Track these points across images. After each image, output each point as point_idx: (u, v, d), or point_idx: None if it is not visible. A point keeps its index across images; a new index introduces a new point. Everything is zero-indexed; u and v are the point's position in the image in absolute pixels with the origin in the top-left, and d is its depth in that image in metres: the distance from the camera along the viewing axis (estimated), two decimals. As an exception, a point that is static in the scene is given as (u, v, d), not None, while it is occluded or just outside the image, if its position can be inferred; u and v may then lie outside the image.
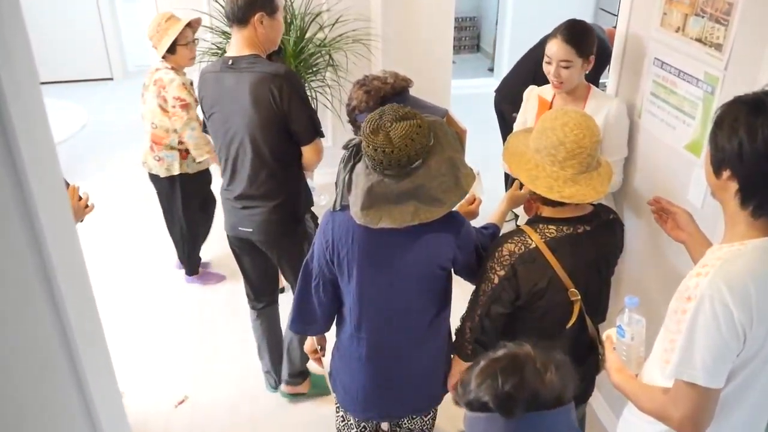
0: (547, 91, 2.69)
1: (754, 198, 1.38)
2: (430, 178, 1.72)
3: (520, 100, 3.38)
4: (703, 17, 2.11)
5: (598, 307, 2.00)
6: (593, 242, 1.88)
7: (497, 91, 4.18)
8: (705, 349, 1.38)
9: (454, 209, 1.84)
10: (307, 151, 2.58)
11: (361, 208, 1.75)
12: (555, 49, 2.46)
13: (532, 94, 2.78)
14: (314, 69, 4.19)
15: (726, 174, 1.40)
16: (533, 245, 1.83)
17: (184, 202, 3.61)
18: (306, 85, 4.11)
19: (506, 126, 3.82)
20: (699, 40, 2.14)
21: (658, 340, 1.59)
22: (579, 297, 1.86)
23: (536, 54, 3.71)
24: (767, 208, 1.38)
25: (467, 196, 2.21)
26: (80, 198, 2.23)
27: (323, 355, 2.28)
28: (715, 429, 1.51)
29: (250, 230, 2.68)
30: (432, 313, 1.98)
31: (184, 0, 4.26)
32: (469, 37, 8.52)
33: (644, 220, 2.60)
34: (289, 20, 4.08)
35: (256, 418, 3.08)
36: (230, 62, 2.50)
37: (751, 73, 1.93)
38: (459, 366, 2.11)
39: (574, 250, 1.85)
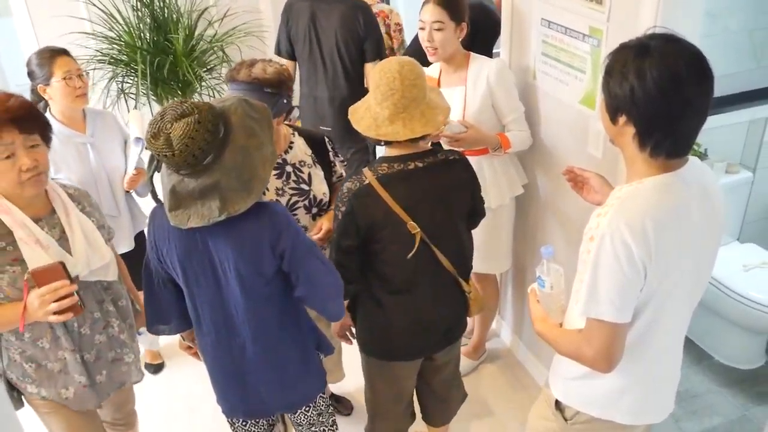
0: (434, 69, 2.72)
1: (651, 139, 1.42)
2: (226, 171, 1.65)
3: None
4: (581, -27, 2.17)
5: (454, 247, 2.14)
6: (426, 178, 2.02)
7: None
8: (609, 286, 1.43)
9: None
10: (369, 67, 3.32)
11: (168, 210, 1.70)
12: (428, 12, 2.52)
13: None
14: (209, 66, 4.07)
15: (622, 119, 1.44)
16: (366, 181, 1.99)
17: None
18: (203, 83, 3.99)
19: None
20: (580, -4, 2.20)
21: (574, 284, 1.63)
22: (418, 230, 2.00)
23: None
24: (664, 147, 1.43)
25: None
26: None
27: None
28: (631, 366, 1.57)
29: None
30: (275, 307, 1.90)
31: (61, 8, 4.06)
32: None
33: (551, 175, 2.67)
34: (175, 18, 3.94)
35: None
36: None
37: (632, 21, 2.00)
38: None
39: (405, 184, 1.99)
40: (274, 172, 2.14)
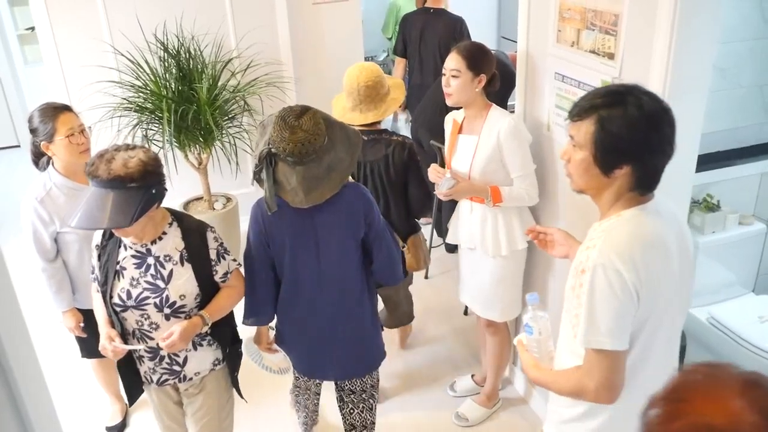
0: (459, 114, 2.81)
1: (646, 178, 1.55)
2: (337, 148, 2.14)
3: (436, 127, 3.51)
4: (593, 30, 2.26)
5: (386, 204, 2.88)
6: (367, 149, 2.81)
7: (413, 120, 4.29)
8: (605, 315, 1.50)
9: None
10: None
11: (305, 195, 2.11)
12: (450, 60, 2.67)
13: (449, 118, 2.91)
14: (230, 115, 4.19)
15: (621, 171, 1.53)
16: None
17: None
18: (223, 131, 4.11)
19: (424, 153, 3.91)
20: (593, 52, 2.28)
21: (561, 327, 1.70)
22: (353, 180, 2.56)
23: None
24: (645, 183, 1.56)
25: None
26: None
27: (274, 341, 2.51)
28: (621, 404, 1.61)
29: None
30: (356, 285, 2.34)
31: (91, 58, 4.23)
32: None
33: (565, 225, 2.70)
34: (200, 69, 4.08)
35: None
36: (431, 11, 4.77)
37: (643, 75, 2.07)
38: None
39: None
40: (134, 261, 2.12)
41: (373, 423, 2.62)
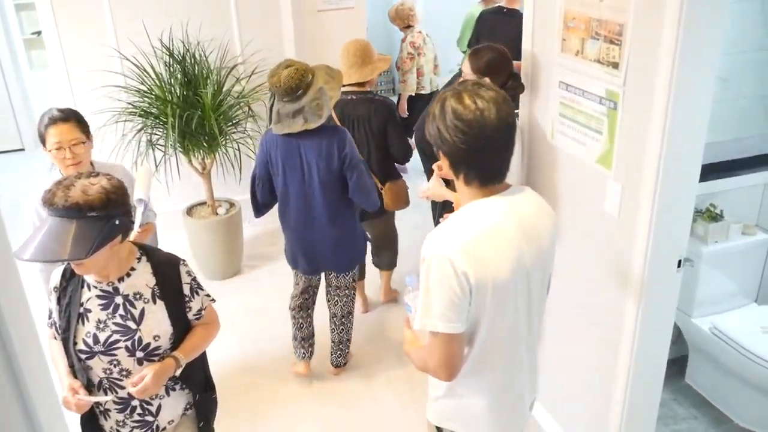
0: None
1: (460, 171, 1.65)
2: (309, 100, 2.86)
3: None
4: (598, 39, 2.26)
5: (367, 153, 3.50)
6: (355, 105, 3.48)
7: (417, 128, 4.28)
8: (439, 300, 1.59)
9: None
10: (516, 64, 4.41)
11: (273, 124, 2.93)
12: None
13: None
14: (234, 121, 4.20)
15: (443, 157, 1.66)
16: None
17: None
18: (227, 137, 4.13)
19: (428, 160, 3.91)
20: (597, 61, 2.29)
21: None
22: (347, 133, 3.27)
23: (450, 90, 3.87)
24: (473, 177, 1.65)
25: None
26: None
27: None
28: (473, 381, 1.75)
29: None
30: (336, 196, 3.04)
31: (97, 63, 4.25)
32: (385, 81, 8.72)
33: (568, 234, 2.71)
34: (205, 74, 4.09)
35: None
36: (505, 11, 5.07)
37: (648, 85, 2.08)
38: None
39: (343, 106, 3.45)
40: (100, 302, 1.92)
41: (351, 312, 3.46)
